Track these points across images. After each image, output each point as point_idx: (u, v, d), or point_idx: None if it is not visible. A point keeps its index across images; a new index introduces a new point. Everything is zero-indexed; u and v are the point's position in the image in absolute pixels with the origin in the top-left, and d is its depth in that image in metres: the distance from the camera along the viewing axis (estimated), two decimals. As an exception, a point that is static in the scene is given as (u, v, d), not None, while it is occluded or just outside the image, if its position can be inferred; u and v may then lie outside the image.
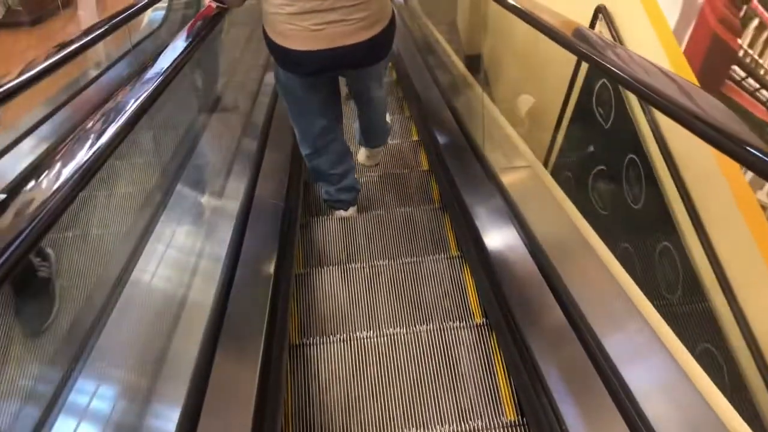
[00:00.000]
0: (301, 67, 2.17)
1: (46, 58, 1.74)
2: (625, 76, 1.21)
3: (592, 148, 2.52)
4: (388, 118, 2.81)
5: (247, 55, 3.70)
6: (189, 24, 2.01)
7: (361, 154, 2.98)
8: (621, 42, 2.14)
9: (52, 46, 1.82)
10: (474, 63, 3.54)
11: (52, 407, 1.23)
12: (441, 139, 2.92)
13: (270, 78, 3.35)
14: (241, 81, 3.50)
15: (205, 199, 2.36)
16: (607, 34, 2.18)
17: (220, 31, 3.09)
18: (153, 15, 3.50)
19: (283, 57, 2.16)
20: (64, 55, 1.80)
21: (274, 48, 2.15)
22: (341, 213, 2.72)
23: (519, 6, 1.84)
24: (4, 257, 0.76)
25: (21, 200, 0.90)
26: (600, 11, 2.24)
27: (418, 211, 2.71)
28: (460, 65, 3.69)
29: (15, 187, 0.91)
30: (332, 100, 2.42)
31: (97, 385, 1.35)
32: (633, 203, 2.11)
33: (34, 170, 1.03)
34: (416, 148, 3.42)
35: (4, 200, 0.86)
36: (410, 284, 2.24)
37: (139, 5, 2.33)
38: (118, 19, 2.13)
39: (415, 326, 2.02)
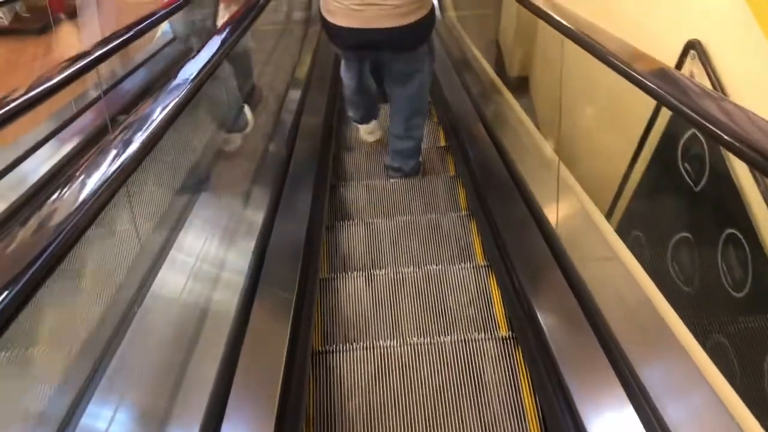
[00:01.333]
0: (341, 40, 2.61)
1: (52, 76, 1.66)
2: (730, 139, 0.95)
3: (674, 210, 2.11)
4: (418, 143, 2.97)
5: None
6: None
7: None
8: (722, 90, 1.71)
9: (57, 56, 1.81)
10: (518, 86, 3.35)
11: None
12: (493, 206, 2.44)
13: (293, 95, 3.53)
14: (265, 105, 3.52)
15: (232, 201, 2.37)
16: (702, 78, 1.74)
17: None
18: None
19: (329, 30, 2.60)
20: (70, 73, 1.73)
21: (324, 23, 2.59)
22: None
23: (585, 37, 1.66)
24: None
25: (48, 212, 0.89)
26: (692, 47, 1.81)
27: (445, 218, 2.68)
28: (506, 93, 3.33)
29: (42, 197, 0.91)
30: (364, 85, 2.81)
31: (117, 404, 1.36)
32: (733, 289, 1.65)
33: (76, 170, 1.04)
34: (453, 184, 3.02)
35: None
36: (435, 292, 2.22)
37: (152, 19, 2.33)
38: (130, 33, 2.11)
39: (439, 336, 2.00)
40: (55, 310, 1.44)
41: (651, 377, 1.35)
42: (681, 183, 1.91)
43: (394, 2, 2.34)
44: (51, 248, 0.78)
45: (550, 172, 2.31)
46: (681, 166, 1.91)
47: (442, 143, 3.48)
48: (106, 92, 2.70)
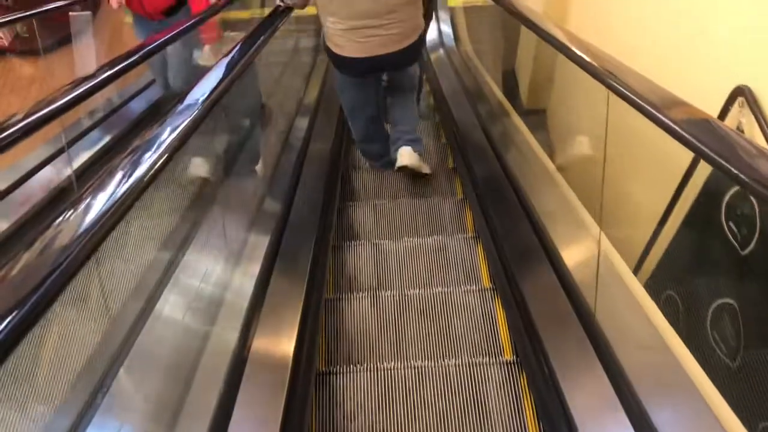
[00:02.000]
0: (351, 70, 2.88)
1: (51, 102, 1.66)
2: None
3: (715, 273, 1.88)
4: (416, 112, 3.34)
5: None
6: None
7: (403, 156, 3.09)
8: None
9: (56, 79, 1.80)
10: (535, 119, 3.28)
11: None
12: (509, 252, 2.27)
13: (300, 123, 3.56)
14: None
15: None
16: (752, 129, 1.58)
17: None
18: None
19: (338, 62, 2.86)
20: (69, 99, 1.73)
21: (331, 55, 2.86)
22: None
23: (609, 76, 1.54)
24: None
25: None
26: (740, 93, 1.63)
27: (452, 240, 2.68)
28: (523, 129, 3.12)
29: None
30: (374, 98, 3.10)
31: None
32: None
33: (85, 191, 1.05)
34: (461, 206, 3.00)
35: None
36: (440, 315, 2.21)
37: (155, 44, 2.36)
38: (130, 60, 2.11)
39: (443, 359, 1.99)
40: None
41: (659, 412, 1.33)
42: (723, 243, 1.70)
43: (394, 31, 2.67)
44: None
45: (569, 211, 2.24)
46: (725, 226, 1.68)
47: (459, 195, 3.18)
48: (71, 143, 2.76)
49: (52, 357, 1.14)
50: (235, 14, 4.25)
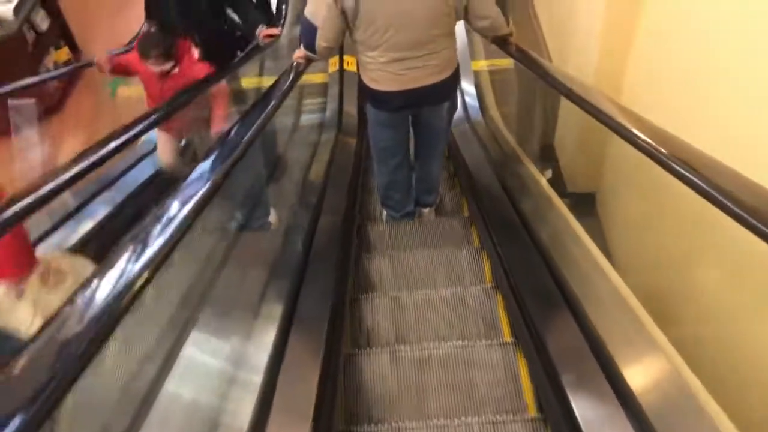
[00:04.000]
0: (387, 104, 2.82)
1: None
2: None
3: None
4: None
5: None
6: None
7: (422, 217, 3.38)
8: None
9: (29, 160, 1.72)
10: (582, 203, 2.91)
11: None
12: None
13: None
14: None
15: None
16: None
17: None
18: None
19: (374, 97, 2.83)
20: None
21: (367, 90, 2.83)
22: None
23: (676, 162, 1.38)
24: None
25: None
26: None
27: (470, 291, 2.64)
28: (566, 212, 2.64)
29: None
30: (405, 142, 3.07)
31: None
32: None
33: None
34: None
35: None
36: (461, 370, 2.16)
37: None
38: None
39: (465, 417, 1.94)
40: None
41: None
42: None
43: (432, 63, 2.66)
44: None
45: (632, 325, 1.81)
46: None
47: (488, 282, 2.76)
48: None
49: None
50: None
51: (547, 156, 3.47)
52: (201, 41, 3.51)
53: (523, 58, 2.82)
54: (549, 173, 3.31)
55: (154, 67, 3.20)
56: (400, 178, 3.23)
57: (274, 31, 3.66)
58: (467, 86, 4.66)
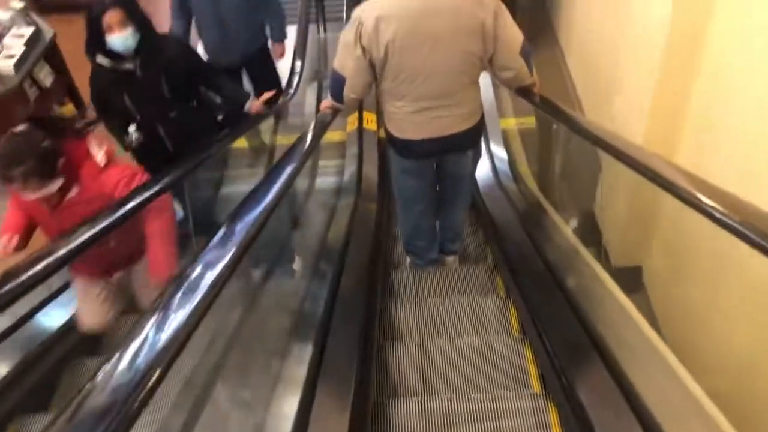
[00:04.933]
0: (413, 152, 2.83)
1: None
2: None
3: None
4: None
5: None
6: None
7: (446, 265, 3.40)
8: None
9: None
10: (630, 281, 2.60)
11: None
12: None
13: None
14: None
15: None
16: None
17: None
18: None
19: (401, 146, 2.84)
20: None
21: (394, 140, 2.83)
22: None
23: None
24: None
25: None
26: None
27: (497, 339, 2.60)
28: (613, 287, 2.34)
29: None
30: (431, 189, 3.08)
31: None
32: None
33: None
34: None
35: None
36: (489, 423, 2.11)
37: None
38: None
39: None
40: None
41: None
42: None
43: (459, 111, 2.70)
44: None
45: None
46: None
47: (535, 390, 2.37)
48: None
49: None
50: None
51: (586, 223, 3.12)
52: (166, 132, 3.15)
53: (547, 107, 2.84)
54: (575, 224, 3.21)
55: (29, 195, 2.12)
56: (425, 225, 3.24)
57: (269, 95, 3.45)
58: (497, 148, 4.40)
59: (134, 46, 2.83)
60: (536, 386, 2.36)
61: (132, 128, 3.05)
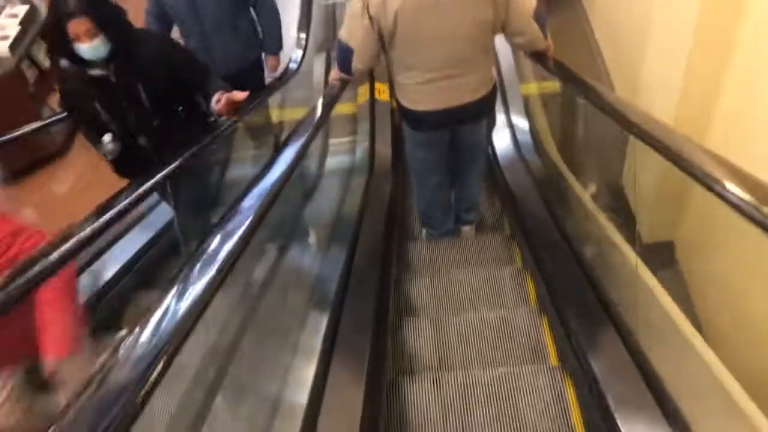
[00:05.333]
0: (426, 124, 2.80)
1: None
2: None
3: None
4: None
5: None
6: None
7: (462, 235, 3.34)
8: None
9: None
10: (662, 256, 2.53)
11: None
12: None
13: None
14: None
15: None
16: None
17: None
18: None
19: (411, 117, 2.81)
20: None
21: (404, 111, 2.80)
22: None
23: None
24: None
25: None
26: None
27: (515, 313, 2.58)
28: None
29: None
30: (444, 161, 3.04)
31: None
32: None
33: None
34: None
35: None
36: (506, 397, 2.11)
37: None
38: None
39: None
40: None
41: None
42: None
43: (471, 79, 2.64)
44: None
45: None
46: None
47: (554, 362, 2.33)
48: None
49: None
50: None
51: (614, 196, 2.91)
52: (149, 143, 2.64)
53: (561, 72, 2.76)
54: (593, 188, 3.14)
55: None
56: (440, 196, 3.20)
57: (241, 96, 2.52)
58: (518, 118, 4.11)
59: (106, 55, 2.36)
60: (553, 359, 2.34)
61: (107, 138, 2.55)
